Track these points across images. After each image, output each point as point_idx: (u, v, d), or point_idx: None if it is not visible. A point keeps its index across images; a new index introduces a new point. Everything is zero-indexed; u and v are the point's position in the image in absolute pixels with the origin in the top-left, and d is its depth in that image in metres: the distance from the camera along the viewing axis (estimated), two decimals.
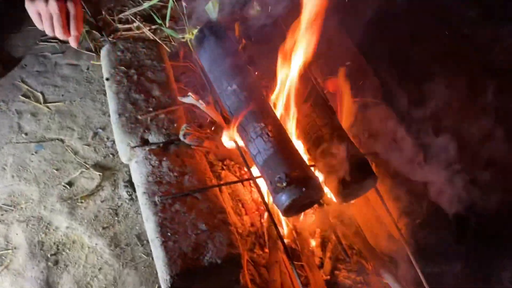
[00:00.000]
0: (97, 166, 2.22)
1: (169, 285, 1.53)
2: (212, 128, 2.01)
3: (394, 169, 1.93)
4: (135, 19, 2.77)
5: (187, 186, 1.76)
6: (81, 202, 2.10)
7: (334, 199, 1.84)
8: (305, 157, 1.92)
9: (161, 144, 1.90)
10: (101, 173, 2.19)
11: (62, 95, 2.44)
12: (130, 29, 2.77)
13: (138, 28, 2.76)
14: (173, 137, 1.93)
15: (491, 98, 2.10)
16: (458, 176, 1.80)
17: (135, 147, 1.90)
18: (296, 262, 2.02)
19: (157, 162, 1.83)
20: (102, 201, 2.11)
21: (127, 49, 2.18)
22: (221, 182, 2.07)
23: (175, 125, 1.95)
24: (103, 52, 2.17)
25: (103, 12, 2.82)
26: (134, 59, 2.15)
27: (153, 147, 1.90)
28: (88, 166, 2.21)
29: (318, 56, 2.29)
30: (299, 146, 1.93)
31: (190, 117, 2.25)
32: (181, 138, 1.86)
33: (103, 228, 2.04)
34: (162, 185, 1.75)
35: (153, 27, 2.77)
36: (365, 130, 2.05)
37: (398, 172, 1.92)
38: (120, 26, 2.77)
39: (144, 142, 1.92)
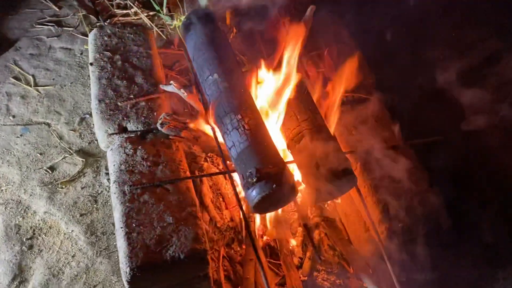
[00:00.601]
0: (81, 152, 2.20)
1: (129, 278, 1.49)
2: (191, 119, 1.94)
3: (380, 170, 1.84)
4: (133, 5, 2.72)
5: (159, 176, 1.71)
6: (62, 188, 2.08)
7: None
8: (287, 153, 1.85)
9: (139, 133, 1.86)
10: (84, 159, 2.16)
11: (53, 79, 2.43)
12: (127, 15, 2.73)
13: (135, 14, 2.72)
14: (152, 126, 1.88)
15: None
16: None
17: (112, 134, 1.86)
18: (274, 261, 1.96)
19: (131, 150, 1.78)
20: (82, 188, 2.09)
21: (114, 34, 2.14)
22: (200, 174, 2.02)
23: (155, 113, 1.91)
24: (91, 37, 2.14)
25: None
26: (121, 44, 2.10)
27: (131, 135, 1.86)
28: (72, 151, 2.19)
29: (311, 48, 2.23)
30: (282, 141, 1.86)
31: (180, 107, 2.20)
32: (159, 127, 1.81)
33: (81, 215, 2.01)
34: (133, 175, 1.71)
35: (151, 13, 2.72)
36: (353, 127, 1.95)
37: (384, 173, 1.83)
38: (118, 11, 2.74)
39: (122, 130, 1.88)
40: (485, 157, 2.04)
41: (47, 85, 2.40)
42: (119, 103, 1.91)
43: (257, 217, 1.97)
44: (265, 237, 1.99)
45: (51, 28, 2.63)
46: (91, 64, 2.03)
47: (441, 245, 1.64)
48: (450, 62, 1.96)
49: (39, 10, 2.70)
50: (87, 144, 2.22)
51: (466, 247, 1.66)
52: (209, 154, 2.15)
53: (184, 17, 2.03)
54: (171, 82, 1.90)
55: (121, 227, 1.57)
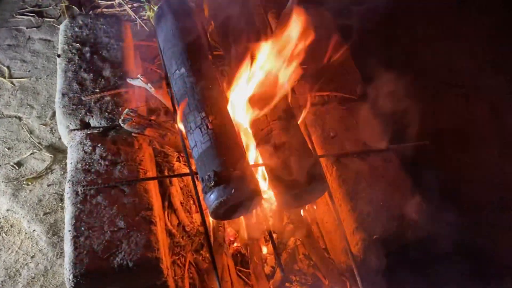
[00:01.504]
0: (51, 147, 2.10)
1: (72, 286, 1.38)
2: (156, 115, 1.83)
3: (358, 176, 1.70)
4: None
5: (116, 177, 1.60)
6: (27, 185, 1.99)
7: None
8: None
9: (101, 129, 1.75)
10: (53, 156, 2.07)
11: (29, 71, 2.34)
12: (111, 6, 2.62)
13: (120, 5, 2.62)
14: (116, 122, 1.77)
15: None
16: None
17: (73, 130, 1.76)
18: (244, 269, 1.83)
19: (90, 148, 1.68)
20: (48, 185, 1.99)
21: (86, 25, 2.03)
22: (161, 176, 1.90)
23: (121, 109, 1.79)
24: (61, 28, 2.04)
25: None
26: (92, 36, 2.00)
27: (94, 131, 1.75)
28: (41, 147, 2.10)
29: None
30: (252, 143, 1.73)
31: (155, 103, 2.09)
32: (121, 123, 1.70)
33: (45, 213, 1.92)
34: (89, 174, 1.60)
35: (136, 5, 2.61)
36: (332, 129, 1.81)
37: (361, 179, 1.68)
38: (102, 2, 2.64)
39: (85, 126, 1.77)
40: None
41: (22, 77, 2.31)
42: (83, 97, 1.80)
43: (227, 221, 1.84)
44: (235, 244, 1.86)
45: (32, 18, 2.55)
46: (58, 56, 1.93)
47: (417, 262, 1.49)
48: None
49: (21, 0, 2.62)
50: (57, 139, 2.12)
51: (444, 264, 1.50)
52: (182, 154, 2.03)
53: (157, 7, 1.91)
54: (138, 75, 1.79)
55: (69, 230, 1.47)
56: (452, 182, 2.01)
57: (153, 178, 1.62)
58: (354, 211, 1.61)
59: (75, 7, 2.60)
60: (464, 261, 1.53)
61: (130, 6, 2.60)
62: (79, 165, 1.62)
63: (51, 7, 2.61)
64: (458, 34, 2.79)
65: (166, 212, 1.87)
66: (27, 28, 2.51)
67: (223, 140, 1.51)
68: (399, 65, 2.42)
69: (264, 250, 1.85)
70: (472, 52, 2.68)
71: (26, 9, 2.57)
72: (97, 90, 1.83)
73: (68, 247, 1.44)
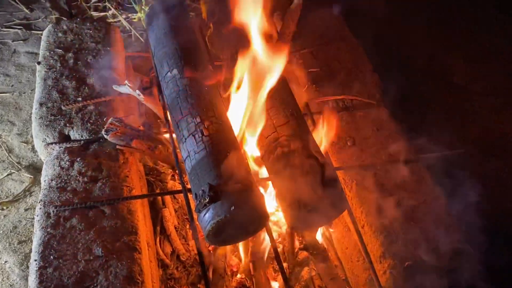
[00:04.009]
0: (31, 167, 1.87)
1: None
2: (146, 125, 1.59)
3: (383, 191, 1.43)
4: (111, 7, 2.44)
5: (95, 195, 1.35)
6: (2, 209, 1.74)
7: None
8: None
9: (82, 142, 1.52)
10: (32, 176, 1.83)
11: (12, 86, 2.14)
12: (105, 17, 2.44)
13: (114, 16, 2.44)
14: (100, 134, 1.54)
15: None
16: None
17: (51, 143, 1.53)
18: None
19: (68, 163, 1.44)
20: (26, 210, 1.75)
21: (71, 30, 1.83)
22: (148, 194, 1.66)
23: (105, 119, 1.56)
24: (44, 33, 1.84)
25: None
26: (76, 41, 1.79)
27: (74, 144, 1.52)
28: (20, 167, 1.86)
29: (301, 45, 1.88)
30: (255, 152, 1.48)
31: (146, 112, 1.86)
32: (103, 134, 1.47)
33: (20, 242, 1.67)
34: (64, 193, 1.35)
35: (130, 15, 2.43)
36: (349, 137, 1.55)
37: (387, 194, 1.42)
38: (94, 14, 2.46)
39: (64, 139, 1.54)
40: None
41: (4, 92, 2.11)
42: (63, 107, 1.58)
43: (228, 247, 1.57)
44: (239, 275, 1.59)
45: (19, 31, 2.37)
46: (38, 63, 1.72)
47: None
48: None
49: (9, 13, 2.45)
50: (39, 158, 1.89)
51: None
52: (176, 170, 1.78)
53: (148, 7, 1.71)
54: (126, 81, 1.56)
55: (35, 260, 1.21)
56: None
57: (138, 197, 1.37)
58: (381, 233, 1.34)
59: (65, 19, 2.42)
60: None
61: (124, 17, 2.41)
62: (53, 183, 1.38)
63: (40, 20, 2.43)
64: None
65: (158, 239, 1.61)
66: (13, 41, 2.32)
67: (220, 149, 1.27)
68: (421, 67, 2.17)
69: (274, 285, 1.56)
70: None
71: (13, 22, 2.39)
72: (79, 99, 1.61)
73: (32, 281, 1.18)
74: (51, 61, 1.72)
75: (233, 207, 1.14)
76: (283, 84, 1.52)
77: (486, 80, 2.32)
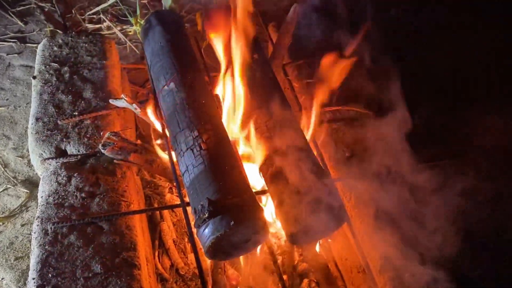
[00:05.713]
0: (27, 182, 1.86)
1: None
2: (143, 139, 1.59)
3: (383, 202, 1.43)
4: (106, 19, 2.44)
5: (93, 211, 1.34)
6: None
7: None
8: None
9: (79, 157, 1.51)
10: (29, 191, 1.82)
11: (7, 99, 2.13)
12: (100, 29, 2.44)
13: (108, 28, 2.43)
14: (97, 149, 1.53)
15: None
16: None
17: (47, 159, 1.51)
18: None
19: (65, 178, 1.43)
20: (22, 225, 1.73)
21: (66, 44, 1.83)
22: (145, 208, 1.65)
23: (102, 133, 1.56)
24: (39, 48, 1.83)
25: (73, 11, 2.51)
26: (72, 55, 1.79)
27: (71, 159, 1.51)
28: (16, 181, 1.85)
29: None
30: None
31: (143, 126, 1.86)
32: (101, 149, 1.46)
33: (16, 258, 1.65)
34: (62, 209, 1.34)
35: (125, 27, 2.43)
36: (347, 148, 1.56)
37: (388, 206, 1.41)
38: (89, 26, 2.46)
39: (60, 153, 1.53)
40: None
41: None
42: (59, 122, 1.57)
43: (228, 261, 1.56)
44: None
45: (13, 44, 2.36)
46: (34, 77, 1.71)
47: None
48: None
49: (3, 26, 2.44)
50: (35, 173, 1.88)
51: None
52: (174, 184, 1.77)
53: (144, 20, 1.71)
54: (122, 95, 1.56)
55: (33, 278, 1.20)
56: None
57: (136, 212, 1.36)
58: (382, 246, 1.33)
59: (60, 32, 2.41)
60: None
61: (119, 29, 2.41)
62: (50, 199, 1.37)
63: (34, 33, 2.42)
64: None
65: (156, 253, 1.60)
66: (7, 54, 2.31)
67: (219, 162, 1.26)
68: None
69: None
70: None
71: (8, 35, 2.39)
72: (76, 113, 1.60)
73: None
74: (47, 75, 1.71)
75: (232, 222, 1.14)
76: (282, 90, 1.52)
77: None
